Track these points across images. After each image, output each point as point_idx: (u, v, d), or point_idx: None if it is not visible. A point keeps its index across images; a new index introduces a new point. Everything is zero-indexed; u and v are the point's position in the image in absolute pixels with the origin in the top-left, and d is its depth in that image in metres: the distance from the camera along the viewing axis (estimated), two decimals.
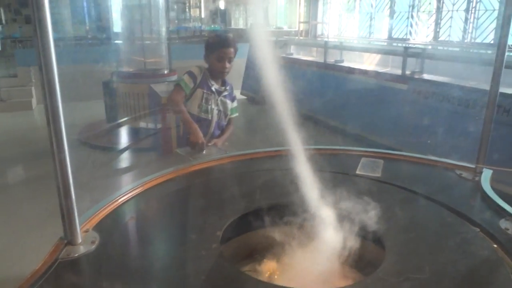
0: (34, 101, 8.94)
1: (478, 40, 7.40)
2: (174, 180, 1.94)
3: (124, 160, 5.38)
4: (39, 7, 1.04)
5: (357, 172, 2.03)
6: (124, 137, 6.40)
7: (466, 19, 7.52)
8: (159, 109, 4.99)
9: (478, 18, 7.36)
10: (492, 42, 7.13)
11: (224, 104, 3.06)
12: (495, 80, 1.82)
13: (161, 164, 3.02)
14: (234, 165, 2.17)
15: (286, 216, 1.56)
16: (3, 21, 12.38)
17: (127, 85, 6.37)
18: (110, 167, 4.97)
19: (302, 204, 1.52)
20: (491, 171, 1.93)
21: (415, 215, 1.63)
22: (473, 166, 2.00)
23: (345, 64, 7.06)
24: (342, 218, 1.52)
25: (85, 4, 10.97)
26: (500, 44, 1.79)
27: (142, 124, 6.23)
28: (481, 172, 1.94)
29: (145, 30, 6.93)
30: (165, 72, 6.65)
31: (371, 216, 1.47)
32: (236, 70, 10.05)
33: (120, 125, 6.40)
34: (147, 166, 4.33)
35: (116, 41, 7.14)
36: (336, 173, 1.99)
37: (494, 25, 7.12)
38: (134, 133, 6.27)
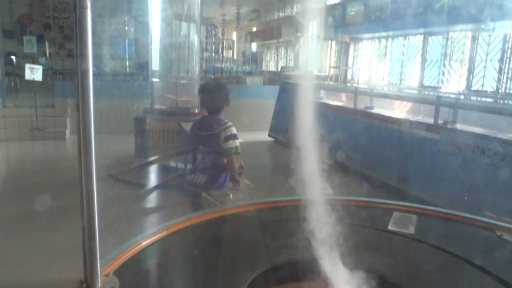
0: (68, 131, 9.24)
1: None
2: (199, 225, 1.89)
3: (151, 198, 5.40)
4: (82, 43, 1.08)
5: (389, 227, 1.93)
6: (153, 175, 6.47)
7: (500, 69, 7.42)
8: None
9: None
10: None
11: None
12: None
13: (187, 206, 3.00)
14: (260, 213, 2.11)
15: (310, 273, 1.47)
16: (47, 54, 13.09)
17: (158, 122, 6.51)
18: (137, 205, 4.99)
19: (328, 262, 1.44)
20: None
21: (453, 280, 1.51)
22: None
23: (375, 110, 7.00)
24: (372, 281, 1.42)
25: (126, 41, 11.50)
26: None
27: (172, 163, 6.29)
28: None
29: (179, 69, 7.17)
30: (196, 111, 6.77)
31: (404, 279, 1.37)
32: (265, 112, 10.15)
33: (150, 162, 6.49)
34: (173, 208, 4.32)
35: (152, 79, 7.39)
36: (367, 227, 1.90)
37: None
38: (163, 171, 6.33)
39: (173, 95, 6.94)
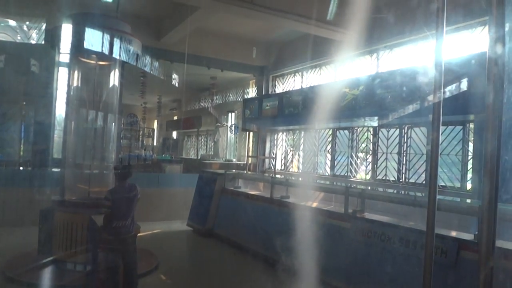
0: None
1: (412, 180, 8.03)
2: None
3: None
4: None
5: None
6: (57, 276, 5.81)
7: (400, 161, 8.24)
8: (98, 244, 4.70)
9: (410, 160, 8.09)
10: (424, 182, 7.75)
11: None
12: (430, 222, 1.92)
13: None
14: None
15: None
16: None
17: (66, 214, 6.06)
18: None
19: None
20: None
21: None
22: None
23: (291, 200, 7.25)
24: None
25: (23, 126, 10.83)
26: (430, 187, 1.94)
27: (79, 260, 5.75)
28: None
29: (94, 157, 6.90)
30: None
31: None
32: (184, 200, 9.99)
33: (55, 260, 5.89)
34: None
35: (60, 167, 7.01)
36: None
37: (424, 167, 7.83)
38: (68, 272, 5.74)
39: (85, 185, 6.59)
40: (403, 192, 7.58)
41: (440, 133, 2.15)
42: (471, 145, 6.93)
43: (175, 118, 22.18)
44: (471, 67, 5.81)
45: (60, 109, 7.67)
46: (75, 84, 6.93)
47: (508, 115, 5.77)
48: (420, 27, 7.27)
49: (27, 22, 10.05)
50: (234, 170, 11.10)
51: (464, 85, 6.11)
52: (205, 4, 8.30)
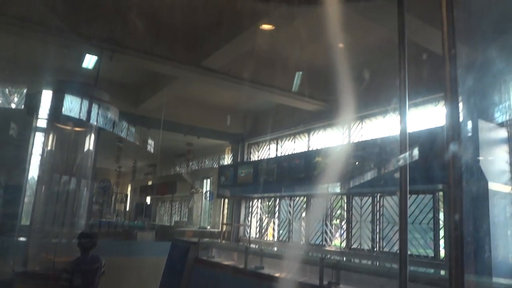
0: None
1: (386, 249, 8.03)
2: None
3: None
4: None
5: None
6: None
7: (373, 229, 8.28)
8: None
9: (383, 229, 8.14)
10: (397, 252, 7.76)
11: None
12: None
13: None
14: None
15: None
16: None
17: (26, 286, 5.70)
18: None
19: None
20: None
21: None
22: None
23: (265, 271, 7.09)
24: None
25: None
26: (400, 260, 1.96)
27: None
28: None
29: (63, 224, 6.66)
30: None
31: None
32: (155, 271, 9.58)
33: None
34: None
35: (23, 235, 6.71)
36: None
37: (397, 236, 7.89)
38: None
39: (51, 255, 6.27)
40: (377, 263, 7.54)
41: (408, 203, 2.23)
42: (442, 213, 7.11)
43: (150, 183, 21.89)
44: (437, 137, 6.13)
45: (33, 174, 7.50)
46: (49, 148, 6.88)
47: (469, 186, 6.02)
48: (388, 100, 7.71)
49: (9, 88, 10.15)
50: (208, 239, 10.84)
51: (431, 155, 6.39)
52: (183, 74, 8.61)
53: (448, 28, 1.81)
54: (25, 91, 10.02)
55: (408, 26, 2.30)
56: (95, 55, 7.92)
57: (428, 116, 7.84)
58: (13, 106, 10.15)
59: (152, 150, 13.87)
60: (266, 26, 6.28)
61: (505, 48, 6.25)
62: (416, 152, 6.34)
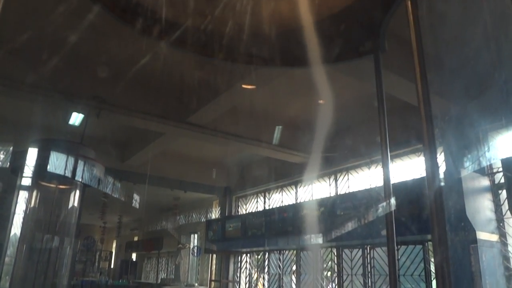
0: None
1: None
2: None
3: None
4: None
5: None
6: None
7: (365, 283, 8.09)
8: None
9: (375, 282, 7.97)
10: None
11: None
12: None
13: None
14: None
15: None
16: None
17: None
18: None
19: None
20: None
21: None
22: None
23: None
24: None
25: None
26: None
27: None
28: None
29: (44, 284, 6.38)
30: None
31: None
32: None
33: None
34: None
35: None
36: None
37: None
38: None
39: None
40: None
41: (398, 254, 2.23)
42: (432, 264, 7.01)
43: (136, 238, 21.33)
44: (423, 187, 6.19)
45: (15, 232, 7.27)
46: (32, 206, 6.74)
47: (458, 236, 6.03)
48: (371, 151, 7.86)
49: None
50: None
51: (418, 205, 6.43)
52: (170, 130, 8.70)
53: (422, 81, 1.90)
54: (11, 149, 9.96)
55: (386, 81, 2.42)
56: (82, 113, 8.00)
57: (415, 166, 7.97)
58: None
59: (137, 206, 13.65)
60: (248, 86, 6.50)
61: (482, 99, 6.51)
62: (400, 202, 6.39)
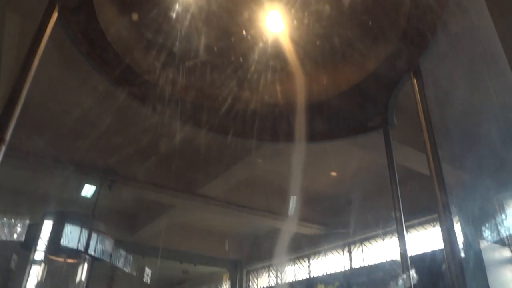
0: None
1: None
2: None
3: None
4: None
5: None
6: None
7: None
8: None
9: None
10: None
11: None
12: None
13: None
14: None
15: None
16: None
17: None
18: None
19: None
20: None
21: None
22: None
23: None
24: None
25: None
26: None
27: None
28: None
29: None
30: None
31: None
32: None
33: None
34: None
35: None
36: None
37: None
38: None
39: None
40: None
41: None
42: None
43: None
44: (440, 261, 5.98)
45: None
46: (39, 279, 6.63)
47: None
48: (385, 222, 7.68)
49: (12, 220, 10.12)
50: None
51: (436, 279, 6.14)
52: (181, 203, 8.68)
53: (433, 154, 1.92)
54: (27, 222, 9.94)
55: (398, 152, 2.44)
56: (94, 185, 8.08)
57: (429, 237, 7.73)
58: (15, 236, 10.02)
59: (148, 280, 13.21)
60: (258, 159, 6.58)
61: (496, 168, 6.44)
62: (419, 276, 6.11)
